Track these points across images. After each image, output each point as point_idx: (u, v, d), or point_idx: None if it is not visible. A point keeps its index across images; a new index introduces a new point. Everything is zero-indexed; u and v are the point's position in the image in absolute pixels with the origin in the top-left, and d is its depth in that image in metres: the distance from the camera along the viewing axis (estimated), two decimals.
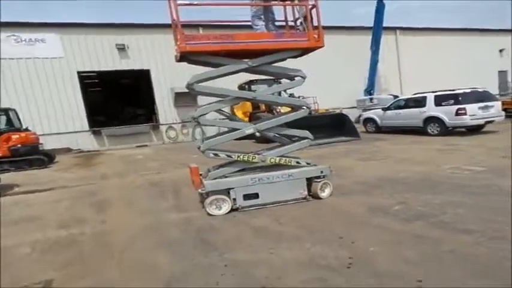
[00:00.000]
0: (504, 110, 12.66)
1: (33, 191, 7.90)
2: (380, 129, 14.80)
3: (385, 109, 14.49)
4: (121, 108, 27.13)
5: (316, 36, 4.99)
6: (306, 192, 5.22)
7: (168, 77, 19.47)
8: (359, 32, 22.51)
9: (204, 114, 5.00)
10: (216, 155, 4.99)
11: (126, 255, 3.72)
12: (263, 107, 15.54)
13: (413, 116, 12.87)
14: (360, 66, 21.52)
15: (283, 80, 5.59)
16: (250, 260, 3.31)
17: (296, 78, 5.18)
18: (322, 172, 5.25)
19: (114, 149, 18.13)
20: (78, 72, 17.97)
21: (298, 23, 5.28)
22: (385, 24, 20.57)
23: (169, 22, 4.83)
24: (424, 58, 24.53)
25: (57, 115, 17.63)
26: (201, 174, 5.42)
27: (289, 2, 5.36)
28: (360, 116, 18.87)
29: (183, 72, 19.49)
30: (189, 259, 3.45)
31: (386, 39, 21.31)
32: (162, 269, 3.28)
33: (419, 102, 12.80)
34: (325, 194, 5.31)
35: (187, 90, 5.05)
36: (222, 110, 5.52)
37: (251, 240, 3.85)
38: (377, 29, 20.07)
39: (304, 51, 5.18)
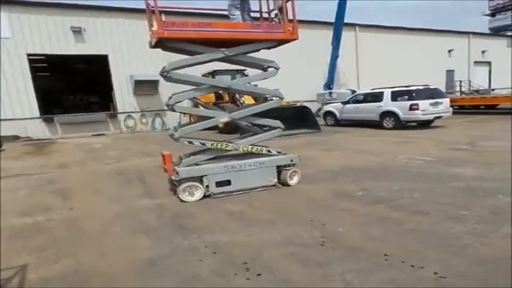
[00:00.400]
0: (451, 106, 13.73)
1: None
2: (339, 123, 15.43)
3: (344, 103, 15.12)
4: (73, 95, 25.83)
5: (291, 28, 5.16)
6: (275, 180, 5.44)
7: (127, 64, 18.80)
8: (319, 26, 23.07)
9: (179, 102, 4.99)
10: (190, 142, 5.03)
11: (102, 240, 3.71)
12: (226, 97, 15.57)
13: (370, 110, 13.57)
14: (320, 61, 22.12)
15: (254, 71, 5.68)
16: (229, 241, 3.45)
17: (269, 69, 5.34)
18: (292, 161, 5.51)
19: (68, 138, 17.28)
20: (28, 55, 16.80)
21: (272, 14, 5.43)
22: (345, 21, 21.27)
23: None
24: (380, 55, 25.73)
25: (4, 100, 16.43)
26: (172, 162, 5.43)
27: None
28: (319, 109, 19.50)
29: (143, 59, 19.04)
30: (168, 242, 3.52)
31: (346, 35, 22.03)
32: (142, 252, 3.33)
33: (377, 97, 13.52)
34: (293, 181, 5.56)
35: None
36: (196, 98, 5.54)
37: (227, 224, 3.99)
38: (338, 25, 20.70)
39: (279, 42, 5.34)
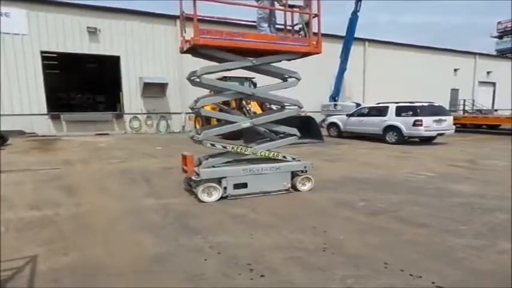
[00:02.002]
0: (454, 124, 13.84)
1: None
2: (342, 134, 15.55)
3: (348, 115, 15.26)
4: (81, 93, 26.12)
5: (314, 42, 5.46)
6: (289, 185, 5.64)
7: (139, 66, 19.06)
8: (328, 39, 23.31)
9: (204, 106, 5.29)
10: (212, 145, 5.25)
11: (109, 236, 3.82)
12: (233, 104, 15.72)
13: (374, 123, 13.69)
14: (327, 72, 22.32)
15: (271, 80, 5.87)
16: (233, 242, 3.56)
17: (290, 79, 5.61)
18: (305, 167, 5.74)
19: (73, 136, 17.41)
20: (42, 52, 17.06)
21: (296, 28, 5.76)
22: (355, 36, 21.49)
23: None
24: (387, 70, 25.91)
25: (12, 95, 16.64)
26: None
27: (295, 9, 5.72)
28: (323, 120, 19.64)
29: (154, 62, 19.34)
30: (173, 241, 3.63)
31: (354, 49, 22.25)
32: (148, 249, 3.43)
33: (381, 111, 13.64)
34: (306, 187, 5.78)
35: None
36: (218, 103, 5.89)
37: (231, 226, 4.09)
38: (348, 39, 20.91)
39: (303, 55, 5.61)
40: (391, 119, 13.08)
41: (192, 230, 3.94)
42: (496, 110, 30.25)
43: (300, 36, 5.63)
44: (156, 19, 19.34)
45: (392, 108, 13.18)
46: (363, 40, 25.33)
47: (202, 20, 4.99)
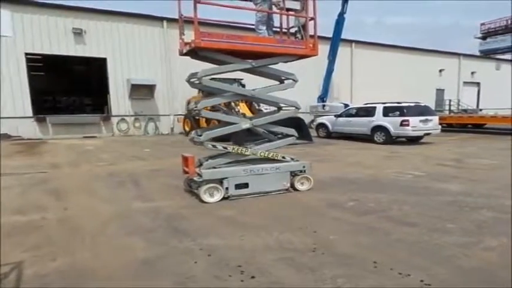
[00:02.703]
0: (440, 124, 14.07)
1: None
2: (331, 135, 15.67)
3: (337, 116, 15.38)
4: (67, 96, 25.70)
5: (311, 45, 5.58)
6: (288, 184, 5.71)
7: (126, 68, 18.87)
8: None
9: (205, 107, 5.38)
10: (214, 146, 5.30)
11: (98, 240, 3.76)
12: (222, 105, 15.70)
13: (362, 124, 13.83)
14: (315, 73, 22.44)
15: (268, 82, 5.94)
16: (223, 244, 3.54)
17: (286, 81, 5.73)
18: (304, 167, 5.84)
19: (59, 139, 17.13)
20: (26, 54, 16.75)
21: (292, 31, 5.89)
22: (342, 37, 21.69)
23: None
24: (374, 71, 26.20)
25: None
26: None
27: (291, 12, 5.82)
28: (312, 121, 19.75)
29: (141, 64, 19.18)
30: (163, 244, 3.59)
31: (342, 50, 22.44)
32: (138, 252, 3.39)
33: (369, 112, 13.79)
34: (304, 187, 5.86)
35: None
36: (219, 105, 6.00)
37: (221, 228, 4.08)
38: (335, 41, 21.08)
39: (300, 57, 5.72)
40: (378, 119, 13.23)
41: (182, 233, 3.91)
42: (480, 110, 30.85)
43: (297, 38, 5.74)
44: (143, 20, 19.20)
45: (379, 109, 13.34)
46: (350, 41, 25.58)
47: (199, 23, 5.02)
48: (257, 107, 14.97)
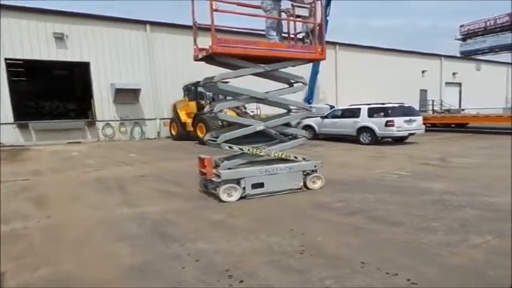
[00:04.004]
0: (424, 124, 14.31)
1: None
2: (317, 136, 15.76)
3: (323, 118, 15.49)
4: (50, 101, 25.22)
5: (320, 49, 5.80)
6: (301, 184, 5.89)
7: (109, 72, 18.62)
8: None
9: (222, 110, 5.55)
10: (230, 147, 5.47)
11: (82, 248, 3.68)
12: (208, 108, 15.65)
13: (348, 125, 13.96)
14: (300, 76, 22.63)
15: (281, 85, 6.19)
16: (211, 249, 3.51)
17: (296, 84, 5.95)
18: (315, 166, 6.03)
19: (43, 145, 16.80)
20: (6, 60, 16.37)
21: (300, 36, 6.16)
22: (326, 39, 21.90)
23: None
24: (358, 73, 26.54)
25: None
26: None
27: (300, 19, 5.98)
28: (299, 123, 19.83)
29: (125, 68, 18.98)
30: (150, 250, 3.54)
31: (326, 52, 22.58)
32: (124, 259, 3.34)
33: (354, 113, 13.94)
34: (316, 185, 6.04)
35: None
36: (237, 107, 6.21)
37: (209, 232, 4.04)
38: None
39: (309, 61, 6.04)
40: (364, 120, 13.38)
41: (169, 238, 3.86)
42: (463, 110, 31.55)
43: (306, 43, 5.98)
44: (126, 24, 19.01)
45: (364, 110, 13.49)
46: (334, 44, 25.83)
47: (206, 29, 5.27)
48: (243, 110, 14.98)
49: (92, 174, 8.36)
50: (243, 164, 5.68)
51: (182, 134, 17.03)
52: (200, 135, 14.87)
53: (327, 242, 3.64)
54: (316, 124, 15.82)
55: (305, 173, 5.97)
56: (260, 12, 5.98)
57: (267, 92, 5.87)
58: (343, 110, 14.92)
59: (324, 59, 5.96)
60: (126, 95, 18.89)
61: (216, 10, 5.05)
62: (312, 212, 4.77)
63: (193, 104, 16.24)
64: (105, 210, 5.09)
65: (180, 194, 6.08)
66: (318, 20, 5.86)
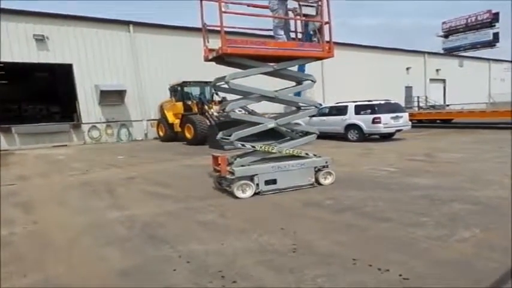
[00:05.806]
0: (410, 120, 14.51)
1: None
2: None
3: (311, 116, 15.52)
4: (33, 104, 24.75)
5: (327, 48, 5.87)
6: (313, 180, 5.98)
7: (93, 74, 18.32)
8: None
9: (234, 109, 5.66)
10: (243, 145, 5.56)
11: (71, 253, 3.61)
12: (195, 109, 15.55)
13: (336, 123, 14.07)
14: None
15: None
16: (203, 250, 3.49)
17: (305, 82, 6.03)
18: (326, 162, 6.15)
19: (28, 149, 16.48)
20: None
21: (308, 34, 6.16)
22: None
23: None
24: (344, 71, 26.74)
25: None
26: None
27: (308, 18, 6.03)
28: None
29: (109, 69, 18.70)
30: (141, 253, 3.50)
31: None
32: (114, 263, 3.29)
33: (341, 110, 14.05)
34: (328, 181, 6.15)
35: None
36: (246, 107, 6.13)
37: (200, 233, 4.02)
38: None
39: (317, 59, 6.15)
40: (351, 117, 13.51)
41: (160, 240, 3.82)
42: (447, 105, 32.11)
43: (314, 42, 6.02)
44: (108, 25, 18.73)
45: (351, 107, 13.62)
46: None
47: (214, 31, 5.35)
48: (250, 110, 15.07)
49: (79, 177, 8.22)
50: (255, 161, 5.76)
51: (170, 135, 16.89)
52: (188, 136, 14.78)
53: (319, 239, 3.65)
54: (304, 122, 15.84)
55: (316, 169, 6.04)
56: (267, 12, 6.02)
57: (276, 91, 5.91)
58: (330, 108, 15.00)
59: (332, 56, 6.01)
60: (111, 97, 18.63)
61: (225, 12, 5.11)
62: (303, 210, 4.79)
63: (180, 104, 16.11)
64: (93, 214, 5.01)
65: (170, 195, 6.02)
66: (325, 19, 5.91)
